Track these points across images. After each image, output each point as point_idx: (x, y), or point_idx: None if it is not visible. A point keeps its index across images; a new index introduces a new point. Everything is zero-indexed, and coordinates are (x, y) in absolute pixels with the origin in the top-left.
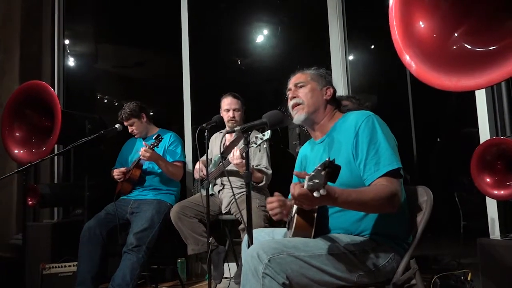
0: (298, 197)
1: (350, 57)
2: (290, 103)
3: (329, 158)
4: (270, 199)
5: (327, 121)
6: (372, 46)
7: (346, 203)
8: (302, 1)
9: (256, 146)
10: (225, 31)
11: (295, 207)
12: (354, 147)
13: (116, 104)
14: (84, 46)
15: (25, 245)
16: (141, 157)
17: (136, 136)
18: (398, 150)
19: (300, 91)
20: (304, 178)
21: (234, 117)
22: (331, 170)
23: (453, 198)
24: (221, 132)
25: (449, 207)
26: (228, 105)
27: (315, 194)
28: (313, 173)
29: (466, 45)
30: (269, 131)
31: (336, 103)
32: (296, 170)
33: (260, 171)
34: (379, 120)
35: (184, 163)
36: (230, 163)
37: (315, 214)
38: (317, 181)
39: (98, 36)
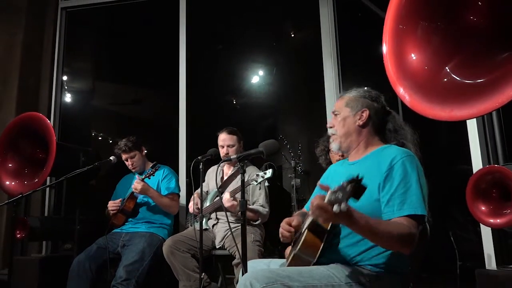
0: (317, 207)
1: None
2: (328, 132)
3: (358, 175)
4: (287, 222)
5: (363, 146)
6: (365, 88)
7: (362, 228)
8: (297, 43)
9: (257, 184)
10: (221, 71)
11: (306, 223)
12: (384, 179)
13: (111, 141)
14: (82, 82)
15: (11, 281)
16: (133, 190)
17: (134, 170)
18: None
19: (336, 120)
20: (327, 191)
21: (227, 153)
22: (357, 186)
23: (448, 236)
24: (219, 165)
25: (444, 246)
26: (222, 141)
27: (335, 208)
28: (338, 187)
29: (457, 77)
30: (271, 170)
31: (376, 126)
32: (316, 190)
33: (252, 210)
34: (417, 163)
35: (179, 196)
36: None
37: (325, 236)
38: (340, 194)
39: (96, 73)
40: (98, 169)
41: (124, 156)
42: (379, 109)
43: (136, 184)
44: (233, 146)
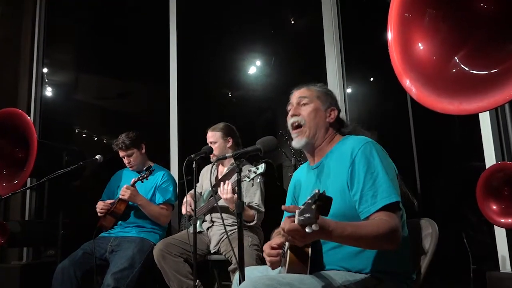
0: (289, 232)
1: (348, 90)
2: (290, 121)
3: (318, 190)
4: (269, 246)
5: (325, 145)
6: (372, 78)
7: (341, 238)
8: (297, 31)
9: (249, 180)
10: (215, 62)
11: (287, 243)
12: (350, 176)
13: (96, 139)
14: (64, 75)
15: None
16: (120, 196)
17: (132, 169)
18: (401, 181)
19: (303, 109)
20: (294, 212)
21: None
22: (321, 203)
23: (461, 238)
24: (213, 164)
25: (457, 248)
26: (207, 139)
27: (307, 229)
28: (303, 207)
29: (466, 68)
30: (263, 165)
31: (338, 126)
32: (289, 196)
33: (251, 208)
34: (377, 148)
35: (173, 207)
36: (221, 198)
37: (309, 250)
38: (308, 215)
39: (79, 65)
40: (83, 169)
41: (121, 154)
42: (339, 110)
43: (124, 191)
44: (215, 143)
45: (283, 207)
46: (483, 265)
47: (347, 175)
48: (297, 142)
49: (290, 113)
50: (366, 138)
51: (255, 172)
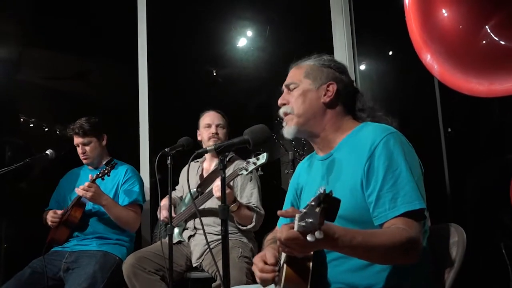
0: (287, 241)
1: (362, 67)
2: (280, 112)
3: (324, 190)
4: (262, 259)
5: (331, 132)
6: (390, 52)
7: (349, 248)
8: None
9: (247, 173)
10: (196, 33)
11: (284, 254)
12: (366, 173)
13: (46, 129)
14: (4, 50)
15: None
16: (81, 195)
17: (86, 161)
18: (424, 180)
19: (292, 94)
20: (293, 217)
21: (217, 133)
22: (327, 206)
23: (499, 249)
24: (197, 161)
25: (493, 262)
26: (210, 120)
27: (308, 238)
28: (305, 210)
29: (499, 39)
30: (265, 154)
31: (345, 105)
32: (289, 194)
33: (249, 208)
34: (403, 140)
35: (141, 208)
36: (208, 199)
37: (311, 264)
38: (310, 220)
39: (23, 37)
40: (31, 167)
41: (76, 141)
42: (348, 83)
43: (86, 187)
44: (223, 127)
45: (279, 212)
46: None
47: (363, 171)
48: (286, 131)
49: (278, 103)
50: (389, 128)
51: (254, 163)
